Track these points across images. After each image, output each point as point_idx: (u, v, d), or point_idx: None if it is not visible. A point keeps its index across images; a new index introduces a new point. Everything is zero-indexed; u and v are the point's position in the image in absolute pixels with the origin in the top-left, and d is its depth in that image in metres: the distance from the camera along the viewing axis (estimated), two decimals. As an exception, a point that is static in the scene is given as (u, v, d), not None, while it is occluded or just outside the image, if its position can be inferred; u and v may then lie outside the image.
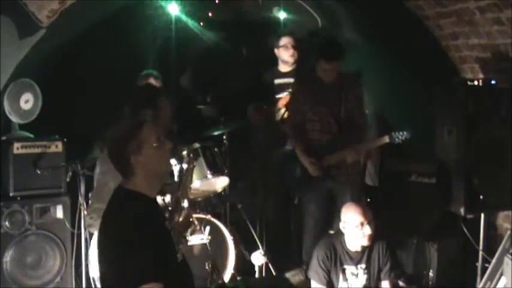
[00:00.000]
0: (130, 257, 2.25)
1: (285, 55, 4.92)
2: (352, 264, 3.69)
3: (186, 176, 3.41)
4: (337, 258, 3.69)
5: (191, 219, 3.10)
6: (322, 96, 4.30)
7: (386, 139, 4.11)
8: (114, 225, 2.38)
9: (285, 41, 4.92)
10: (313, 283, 3.74)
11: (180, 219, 2.97)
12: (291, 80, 4.92)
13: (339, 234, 3.73)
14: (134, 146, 2.37)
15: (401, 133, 4.05)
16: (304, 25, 6.36)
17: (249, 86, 5.22)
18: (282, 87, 4.96)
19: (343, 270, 3.69)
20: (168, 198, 3.74)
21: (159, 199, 3.84)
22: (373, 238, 3.65)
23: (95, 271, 3.97)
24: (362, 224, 3.57)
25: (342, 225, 3.68)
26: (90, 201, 3.71)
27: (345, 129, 4.29)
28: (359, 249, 3.66)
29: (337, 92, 4.29)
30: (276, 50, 4.97)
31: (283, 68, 4.99)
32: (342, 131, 4.29)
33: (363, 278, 3.70)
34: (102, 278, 2.44)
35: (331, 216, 4.59)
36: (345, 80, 4.33)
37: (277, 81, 4.97)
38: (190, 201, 3.99)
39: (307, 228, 4.51)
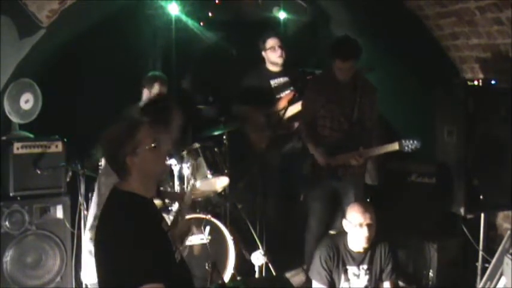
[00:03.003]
0: (129, 258, 2.25)
1: (274, 57, 4.93)
2: (354, 264, 3.69)
3: (189, 186, 3.43)
4: (339, 258, 3.68)
5: (190, 227, 3.10)
6: (336, 95, 4.29)
7: (396, 146, 4.04)
8: (111, 226, 2.38)
9: (271, 43, 4.92)
10: (315, 283, 3.73)
11: (180, 226, 2.98)
12: (286, 79, 4.94)
13: (342, 234, 3.73)
14: (130, 147, 2.38)
15: (411, 141, 3.97)
16: (304, 25, 6.37)
17: (245, 88, 5.20)
18: (279, 87, 4.96)
19: (345, 271, 3.69)
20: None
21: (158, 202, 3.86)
22: (374, 240, 3.64)
23: (87, 278, 3.97)
24: (361, 225, 3.56)
25: (344, 223, 3.68)
26: (91, 224, 3.72)
27: (354, 130, 4.28)
28: (361, 249, 3.65)
29: (351, 92, 4.27)
30: (263, 53, 4.98)
31: (274, 68, 4.99)
32: (352, 132, 4.28)
33: (364, 279, 3.70)
34: (101, 280, 2.43)
35: (334, 217, 4.60)
36: (360, 81, 4.31)
37: (273, 82, 4.98)
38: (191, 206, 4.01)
39: (310, 228, 4.51)
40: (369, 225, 3.56)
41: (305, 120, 4.45)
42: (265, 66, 5.02)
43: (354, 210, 3.62)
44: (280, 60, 4.93)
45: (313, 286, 3.77)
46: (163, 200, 3.90)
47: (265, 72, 5.01)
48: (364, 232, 3.56)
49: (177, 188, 4.36)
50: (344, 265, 3.69)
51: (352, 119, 4.28)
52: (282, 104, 4.84)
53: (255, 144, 4.98)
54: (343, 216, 3.76)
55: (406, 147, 3.99)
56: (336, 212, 4.56)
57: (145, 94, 4.77)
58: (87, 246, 3.78)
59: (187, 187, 4.30)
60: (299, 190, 4.63)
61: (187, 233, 3.01)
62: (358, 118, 4.28)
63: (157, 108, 3.48)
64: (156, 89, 4.72)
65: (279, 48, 4.90)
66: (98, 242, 2.45)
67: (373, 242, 3.66)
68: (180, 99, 5.58)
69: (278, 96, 4.96)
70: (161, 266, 2.28)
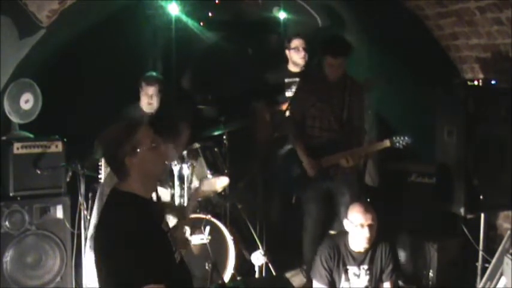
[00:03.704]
0: (129, 259, 2.24)
1: (296, 57, 4.97)
2: (355, 264, 3.69)
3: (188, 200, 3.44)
4: (340, 258, 3.68)
5: (187, 241, 3.09)
6: (326, 94, 4.30)
7: (387, 143, 4.09)
8: (111, 227, 2.37)
9: (296, 43, 4.97)
10: (315, 283, 3.73)
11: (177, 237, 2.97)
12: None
13: (343, 234, 3.74)
14: (129, 147, 2.37)
15: (402, 138, 4.02)
16: (304, 25, 6.37)
17: (251, 85, 5.23)
18: (289, 87, 4.98)
19: (346, 271, 3.69)
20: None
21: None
22: (375, 240, 3.65)
23: (88, 280, 3.98)
24: (362, 225, 3.57)
25: (345, 223, 3.68)
26: (91, 234, 3.73)
27: (344, 129, 4.29)
28: (362, 249, 3.66)
29: (341, 91, 4.29)
30: (287, 51, 5.02)
31: (294, 68, 5.03)
32: (342, 131, 4.29)
33: (364, 279, 3.70)
34: (101, 281, 2.42)
35: (331, 216, 4.59)
36: (349, 81, 4.33)
37: (287, 80, 5.01)
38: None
39: (307, 228, 4.51)
40: (370, 226, 3.56)
41: (294, 120, 4.45)
42: (287, 66, 5.07)
43: (355, 211, 3.62)
44: (302, 62, 4.97)
45: (313, 286, 3.77)
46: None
47: (284, 72, 5.05)
48: (365, 232, 3.56)
49: (177, 188, 4.36)
50: (344, 265, 3.69)
51: (342, 118, 4.29)
52: (286, 105, 4.88)
53: (260, 142, 5.01)
54: (340, 215, 3.76)
55: (398, 143, 4.02)
56: (332, 211, 4.57)
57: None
58: (90, 255, 3.78)
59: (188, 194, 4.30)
60: (292, 192, 4.64)
61: (185, 244, 3.01)
62: (348, 118, 4.29)
63: (166, 124, 3.49)
64: (143, 89, 4.69)
65: (302, 49, 4.94)
66: (97, 242, 2.44)
67: (374, 242, 3.66)
68: (179, 99, 5.59)
69: (288, 95, 4.99)
70: (161, 267, 2.28)
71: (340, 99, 4.29)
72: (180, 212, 3.23)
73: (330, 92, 4.30)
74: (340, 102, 4.29)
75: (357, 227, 3.58)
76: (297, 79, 4.97)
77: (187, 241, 2.98)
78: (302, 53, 4.94)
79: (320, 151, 4.28)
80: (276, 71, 5.11)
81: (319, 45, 4.28)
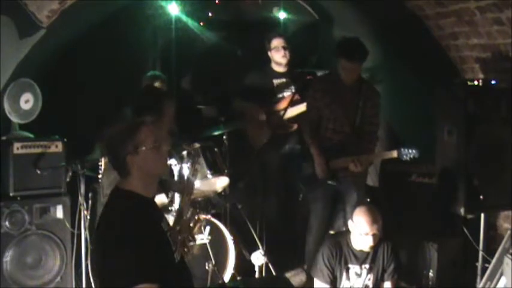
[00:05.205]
0: (124, 257, 2.25)
1: (277, 57, 4.97)
2: (357, 263, 3.69)
3: (190, 175, 3.42)
4: (342, 257, 3.68)
5: (197, 217, 3.09)
6: (339, 97, 4.29)
7: (394, 154, 4.08)
8: (109, 224, 2.38)
9: (275, 43, 4.97)
10: (317, 282, 3.73)
11: (188, 216, 2.96)
12: (288, 79, 4.97)
13: (345, 232, 3.73)
14: (131, 146, 2.38)
15: (410, 150, 4.00)
16: (304, 25, 6.38)
17: (247, 85, 5.23)
18: (280, 87, 4.98)
19: (347, 270, 3.69)
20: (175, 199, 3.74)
21: (162, 198, 3.86)
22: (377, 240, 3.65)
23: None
24: (366, 234, 3.56)
25: (350, 224, 3.67)
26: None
27: (356, 133, 4.28)
28: (364, 249, 3.66)
29: (355, 95, 4.28)
30: (268, 52, 5.02)
31: (278, 68, 5.02)
32: (353, 135, 4.28)
33: (366, 278, 3.70)
34: (98, 279, 2.43)
35: (335, 217, 4.59)
36: (364, 85, 4.33)
37: (275, 81, 5.00)
38: (192, 201, 4.01)
39: (312, 228, 4.50)
40: (374, 235, 3.56)
41: (309, 120, 4.45)
42: (270, 66, 5.06)
43: (363, 218, 3.57)
44: (283, 60, 4.97)
45: (315, 285, 3.76)
46: (166, 193, 3.90)
47: (269, 72, 5.05)
48: (369, 241, 3.56)
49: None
50: (346, 263, 3.69)
51: (355, 122, 4.28)
52: (283, 104, 4.85)
53: (254, 141, 5.00)
54: (347, 215, 3.75)
55: (405, 156, 4.01)
56: (337, 212, 4.56)
57: None
58: None
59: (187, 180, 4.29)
60: (299, 190, 4.63)
61: (196, 224, 3.01)
62: (361, 122, 4.29)
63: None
64: None
65: (282, 48, 4.94)
66: (96, 240, 2.45)
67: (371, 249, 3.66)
68: (179, 99, 5.59)
69: (280, 96, 4.97)
70: (158, 267, 2.27)
71: (353, 103, 4.28)
72: (186, 188, 3.19)
73: (344, 95, 4.29)
74: (353, 106, 4.28)
75: (361, 234, 3.57)
76: (285, 79, 4.98)
77: (195, 220, 2.96)
78: (282, 52, 4.94)
79: (331, 153, 4.28)
80: (260, 70, 5.09)
81: (336, 48, 4.26)
